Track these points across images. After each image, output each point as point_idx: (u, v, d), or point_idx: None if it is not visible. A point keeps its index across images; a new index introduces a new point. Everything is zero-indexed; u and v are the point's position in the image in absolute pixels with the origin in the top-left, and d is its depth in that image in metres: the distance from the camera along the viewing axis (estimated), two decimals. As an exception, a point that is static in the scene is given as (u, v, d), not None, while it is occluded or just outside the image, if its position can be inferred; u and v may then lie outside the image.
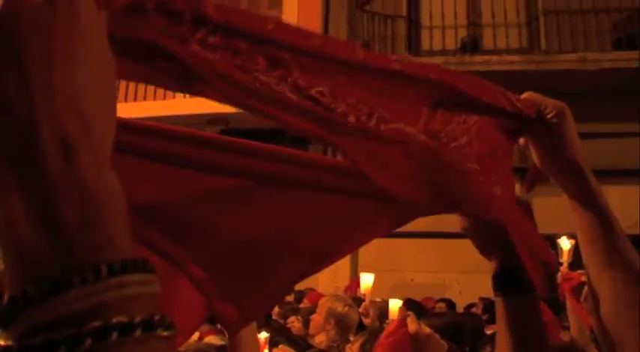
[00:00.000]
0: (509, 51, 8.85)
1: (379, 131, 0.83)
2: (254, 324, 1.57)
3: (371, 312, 4.74)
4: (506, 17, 8.92)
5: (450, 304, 7.41)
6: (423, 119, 0.91)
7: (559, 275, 3.60)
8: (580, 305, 3.42)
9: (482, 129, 1.00)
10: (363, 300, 4.92)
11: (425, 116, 0.91)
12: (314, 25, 10.39)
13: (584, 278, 3.37)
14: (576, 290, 3.46)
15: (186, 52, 0.64)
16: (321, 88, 0.77)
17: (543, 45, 9.04)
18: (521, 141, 1.15)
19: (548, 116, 1.09)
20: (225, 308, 1.12)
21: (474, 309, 7.00)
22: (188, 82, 0.67)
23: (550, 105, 1.10)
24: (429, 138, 0.89)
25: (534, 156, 1.15)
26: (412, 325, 2.06)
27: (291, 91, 0.74)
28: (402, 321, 2.13)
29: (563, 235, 3.90)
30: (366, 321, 4.70)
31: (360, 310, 4.80)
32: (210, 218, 1.08)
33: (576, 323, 3.51)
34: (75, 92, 0.45)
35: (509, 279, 1.17)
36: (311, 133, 0.77)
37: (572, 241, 3.88)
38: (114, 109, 0.48)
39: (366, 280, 5.23)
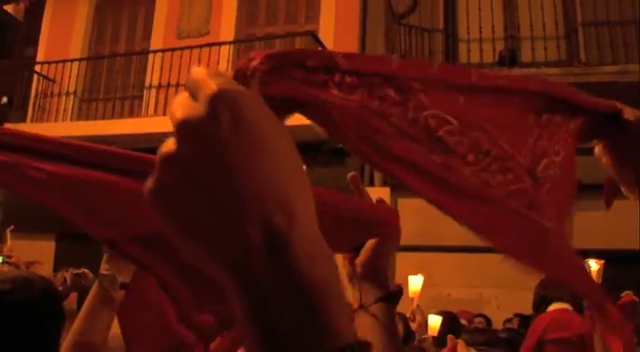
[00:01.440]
0: (547, 63, 8.76)
1: (485, 181, 0.89)
2: None
3: (418, 317, 4.68)
4: (544, 30, 8.83)
5: (487, 320, 7.35)
6: (535, 134, 0.97)
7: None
8: (612, 329, 3.33)
9: (569, 147, 1.04)
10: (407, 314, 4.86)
11: (536, 129, 0.98)
12: (351, 38, 10.42)
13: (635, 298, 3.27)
14: (628, 310, 3.36)
15: (326, 99, 0.69)
16: (449, 127, 0.83)
17: (583, 57, 8.92)
18: (596, 150, 1.14)
19: (628, 121, 1.08)
20: (203, 318, 1.20)
21: (508, 324, 6.94)
22: (332, 129, 0.72)
23: (629, 111, 1.09)
24: (531, 179, 0.95)
25: (609, 163, 1.13)
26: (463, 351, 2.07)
27: (421, 133, 0.80)
28: (452, 350, 2.13)
29: (592, 250, 3.83)
30: (413, 326, 4.65)
31: (408, 315, 4.75)
32: None
33: (602, 346, 3.40)
34: (266, 187, 0.45)
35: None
36: (424, 194, 0.82)
37: (602, 261, 3.79)
38: (309, 189, 0.48)
39: (415, 283, 5.11)
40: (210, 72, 0.48)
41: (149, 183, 0.47)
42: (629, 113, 1.08)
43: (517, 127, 0.95)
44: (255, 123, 0.46)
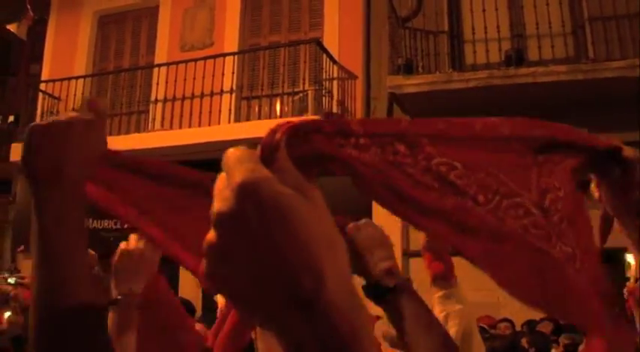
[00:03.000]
0: (555, 61, 8.67)
1: (500, 218, 0.97)
2: None
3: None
4: (550, 27, 8.76)
5: (512, 324, 7.27)
6: (535, 173, 1.05)
7: (625, 290, 3.52)
8: None
9: (567, 175, 1.11)
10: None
11: (535, 168, 1.06)
12: (356, 44, 10.38)
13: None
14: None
15: (345, 155, 0.80)
16: (457, 171, 0.92)
17: (591, 53, 8.84)
18: (592, 185, 1.20)
19: (628, 158, 1.13)
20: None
21: (539, 327, 6.83)
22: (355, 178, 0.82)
23: (628, 149, 1.14)
24: (541, 212, 1.02)
25: (603, 195, 1.18)
26: None
27: (434, 179, 0.89)
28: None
29: (628, 249, 3.79)
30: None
31: None
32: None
33: None
34: (294, 258, 0.51)
35: (377, 290, 1.34)
36: (443, 236, 0.93)
37: None
38: (339, 247, 0.54)
39: None
40: (239, 156, 0.55)
41: (201, 268, 0.54)
42: (628, 151, 1.14)
43: (518, 168, 1.03)
44: (277, 205, 0.52)
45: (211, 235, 0.53)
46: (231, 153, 0.55)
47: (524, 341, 5.61)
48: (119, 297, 1.72)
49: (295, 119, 0.71)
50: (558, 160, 1.09)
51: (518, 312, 8.27)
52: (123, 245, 1.80)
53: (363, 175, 0.82)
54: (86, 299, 0.98)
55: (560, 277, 1.02)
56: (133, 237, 1.81)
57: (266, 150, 0.59)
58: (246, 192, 0.52)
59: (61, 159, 0.99)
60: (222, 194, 0.53)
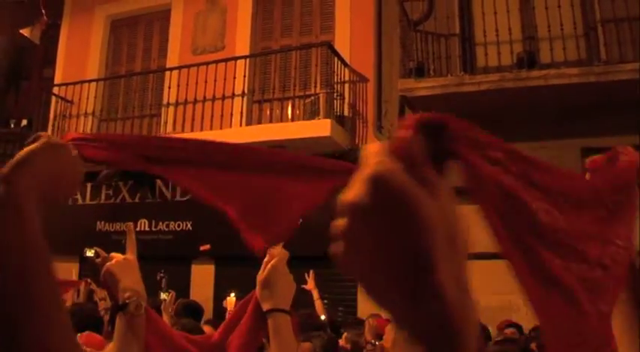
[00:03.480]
0: (567, 64, 8.62)
1: (566, 267, 1.05)
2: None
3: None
4: (562, 29, 8.70)
5: (519, 329, 7.24)
6: (605, 224, 1.15)
7: None
8: None
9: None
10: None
11: (607, 219, 1.16)
12: (367, 47, 10.37)
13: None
14: None
15: (472, 160, 0.85)
16: (547, 212, 1.00)
17: (603, 55, 8.79)
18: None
19: None
20: (253, 236, 1.78)
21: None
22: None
23: None
24: (603, 270, 1.11)
25: None
26: None
27: (530, 217, 0.97)
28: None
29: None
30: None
31: None
32: (239, 180, 1.80)
33: None
34: (418, 251, 0.54)
35: None
36: (516, 269, 1.00)
37: None
38: (459, 240, 0.57)
39: None
40: (374, 150, 0.58)
41: (334, 249, 0.58)
42: None
43: (593, 207, 1.15)
44: (401, 197, 0.54)
45: (342, 221, 0.56)
46: (369, 147, 0.59)
47: (533, 346, 5.60)
48: (127, 301, 1.70)
49: (423, 114, 0.74)
50: (626, 200, 1.22)
51: (528, 317, 8.22)
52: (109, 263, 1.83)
53: (481, 182, 0.88)
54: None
55: (583, 334, 1.09)
56: (114, 255, 1.86)
57: (397, 145, 0.61)
58: (374, 182, 0.55)
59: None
60: (354, 185, 0.56)
